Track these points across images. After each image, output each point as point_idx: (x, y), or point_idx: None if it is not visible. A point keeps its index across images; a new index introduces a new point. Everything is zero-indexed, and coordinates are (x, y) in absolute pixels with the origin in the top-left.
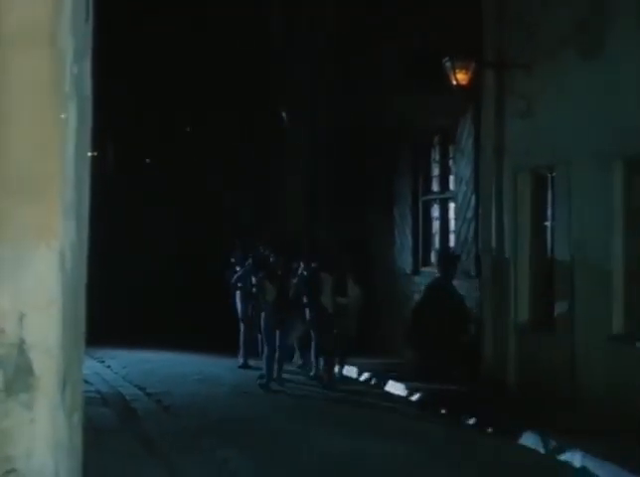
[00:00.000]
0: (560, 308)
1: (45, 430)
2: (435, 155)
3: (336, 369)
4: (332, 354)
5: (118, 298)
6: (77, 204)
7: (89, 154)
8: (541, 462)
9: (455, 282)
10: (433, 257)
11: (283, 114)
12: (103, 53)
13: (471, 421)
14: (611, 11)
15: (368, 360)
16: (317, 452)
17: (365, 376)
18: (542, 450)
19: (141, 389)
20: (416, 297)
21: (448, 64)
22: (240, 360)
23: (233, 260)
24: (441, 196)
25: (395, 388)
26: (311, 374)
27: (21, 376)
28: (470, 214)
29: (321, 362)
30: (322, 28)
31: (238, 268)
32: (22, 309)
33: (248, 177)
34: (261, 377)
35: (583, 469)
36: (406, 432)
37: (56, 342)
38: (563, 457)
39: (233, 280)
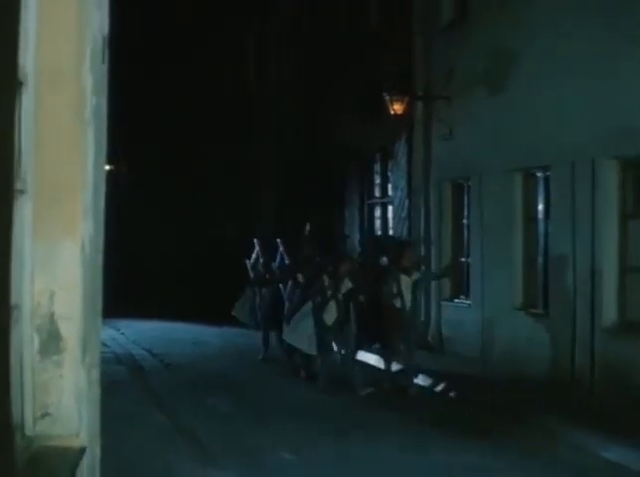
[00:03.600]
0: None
1: (71, 383)
2: (377, 168)
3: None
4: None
5: (134, 281)
6: (94, 207)
7: (106, 168)
8: None
9: None
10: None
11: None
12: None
13: None
14: (514, 60)
15: None
16: (286, 399)
17: None
18: None
19: (148, 350)
20: None
21: (387, 97)
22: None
23: (252, 261)
24: (382, 200)
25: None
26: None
27: (52, 340)
28: (404, 214)
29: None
30: (288, 69)
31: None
32: (52, 288)
33: (235, 192)
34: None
35: None
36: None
37: (78, 314)
38: None
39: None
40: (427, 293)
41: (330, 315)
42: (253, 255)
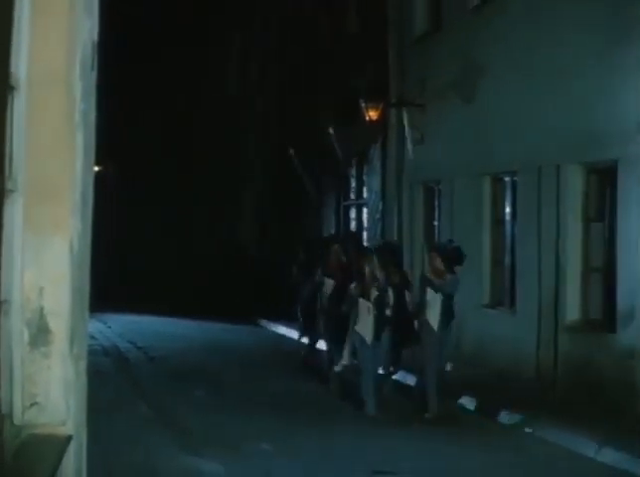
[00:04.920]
0: None
1: (59, 374)
2: (353, 172)
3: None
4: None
5: (121, 276)
6: (83, 206)
7: (94, 168)
8: None
9: None
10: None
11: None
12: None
13: None
14: (484, 69)
15: None
16: (261, 390)
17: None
18: None
19: (133, 343)
20: None
21: (363, 104)
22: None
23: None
24: (357, 202)
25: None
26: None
27: (41, 334)
28: (378, 215)
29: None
30: (270, 72)
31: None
32: (42, 283)
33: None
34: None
35: None
36: None
37: (66, 308)
38: None
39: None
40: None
41: (365, 327)
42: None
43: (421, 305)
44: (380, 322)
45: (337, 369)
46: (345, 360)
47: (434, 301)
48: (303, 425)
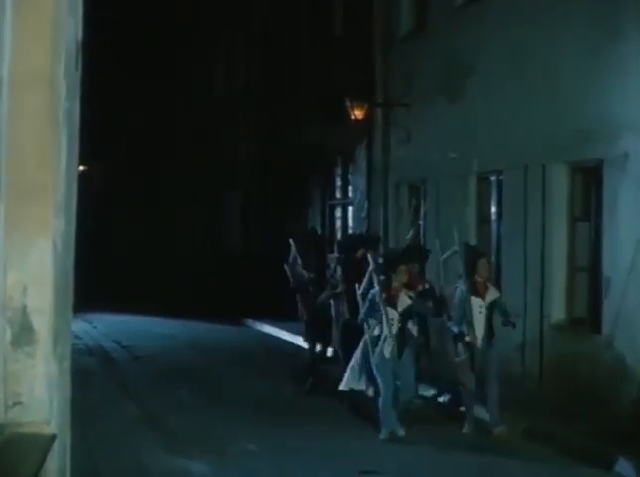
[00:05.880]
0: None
1: (42, 373)
2: (339, 171)
3: None
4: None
5: (106, 276)
6: (66, 206)
7: (78, 169)
8: None
9: None
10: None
11: None
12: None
13: None
14: (469, 68)
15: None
16: (246, 390)
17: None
18: None
19: (118, 343)
20: None
21: (349, 103)
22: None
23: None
24: (343, 201)
25: None
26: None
27: (24, 332)
28: (363, 214)
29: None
30: (256, 72)
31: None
32: (25, 282)
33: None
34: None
35: None
36: None
37: (50, 307)
38: None
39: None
40: None
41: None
42: (290, 258)
43: (466, 319)
44: (406, 336)
45: (342, 387)
46: (352, 382)
47: (478, 314)
48: (289, 426)
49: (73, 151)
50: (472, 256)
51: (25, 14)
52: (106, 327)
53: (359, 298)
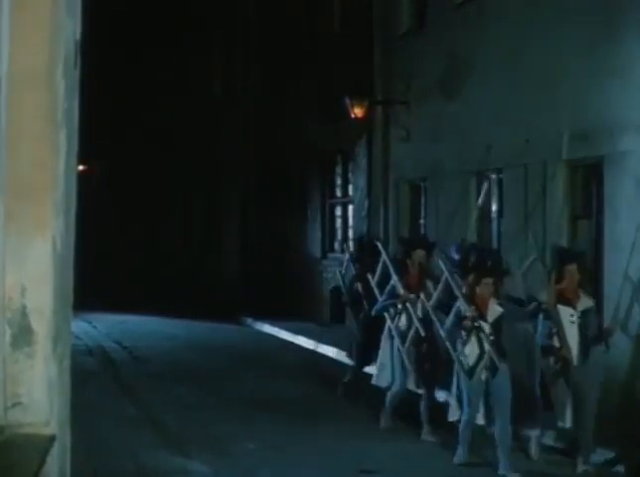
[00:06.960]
0: None
1: (42, 374)
2: (339, 169)
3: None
4: None
5: (106, 276)
6: (65, 206)
7: (77, 168)
8: None
9: None
10: (337, 246)
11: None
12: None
13: None
14: (469, 66)
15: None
16: (245, 390)
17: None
18: None
19: (118, 343)
20: (324, 276)
21: (348, 101)
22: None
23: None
24: (343, 200)
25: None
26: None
27: (24, 333)
28: (364, 213)
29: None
30: (255, 72)
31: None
32: (24, 283)
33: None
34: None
35: None
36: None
37: (49, 308)
38: None
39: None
40: None
41: (471, 351)
42: (343, 269)
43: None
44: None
45: (451, 419)
46: (456, 412)
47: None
48: (289, 425)
49: (72, 151)
50: (563, 260)
51: (22, 13)
52: (106, 327)
53: (429, 309)
